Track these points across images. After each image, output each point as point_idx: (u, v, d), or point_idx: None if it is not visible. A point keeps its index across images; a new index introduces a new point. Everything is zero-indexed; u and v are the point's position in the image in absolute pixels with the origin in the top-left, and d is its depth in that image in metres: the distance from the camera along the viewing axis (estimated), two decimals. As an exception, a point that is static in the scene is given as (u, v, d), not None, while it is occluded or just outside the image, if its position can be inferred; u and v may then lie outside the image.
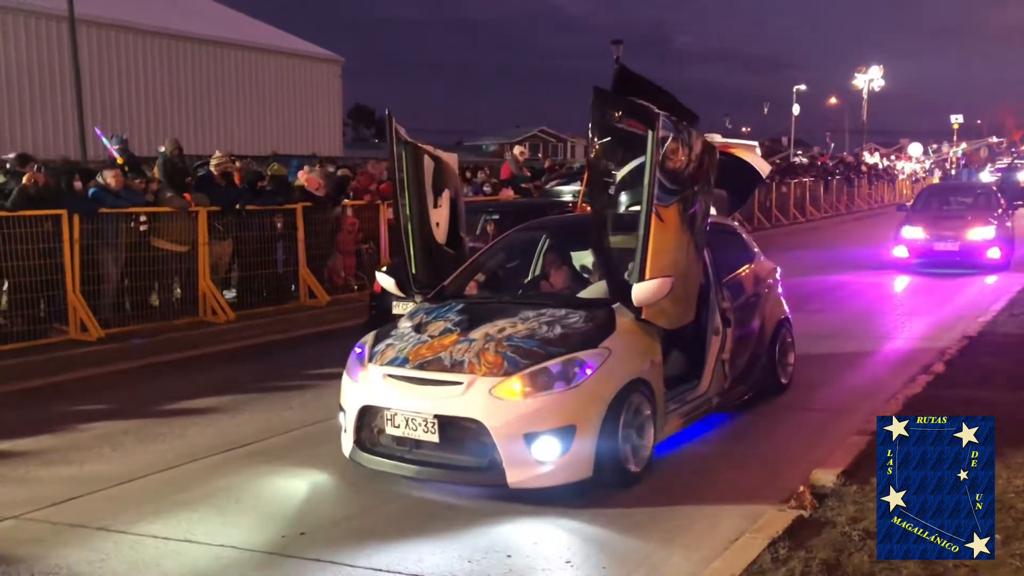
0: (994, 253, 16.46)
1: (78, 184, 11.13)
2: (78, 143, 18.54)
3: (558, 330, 5.94)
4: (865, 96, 60.21)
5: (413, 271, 7.16)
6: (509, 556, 4.94)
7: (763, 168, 8.22)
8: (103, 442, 7.19)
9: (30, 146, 23.84)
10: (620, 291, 6.12)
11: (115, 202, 10.93)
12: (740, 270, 7.80)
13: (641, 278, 5.86)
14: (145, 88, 30.81)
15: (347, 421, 6.18)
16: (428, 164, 7.29)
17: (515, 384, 5.60)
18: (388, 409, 5.90)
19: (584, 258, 7.71)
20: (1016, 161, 49.15)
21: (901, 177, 48.53)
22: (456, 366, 5.81)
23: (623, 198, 6.56)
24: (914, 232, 16.98)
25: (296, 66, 37.01)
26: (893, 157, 57.59)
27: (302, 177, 13.91)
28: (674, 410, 6.51)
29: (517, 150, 20.91)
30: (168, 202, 11.46)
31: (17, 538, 5.29)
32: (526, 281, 7.71)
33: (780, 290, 8.52)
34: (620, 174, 6.45)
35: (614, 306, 6.16)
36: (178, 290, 11.85)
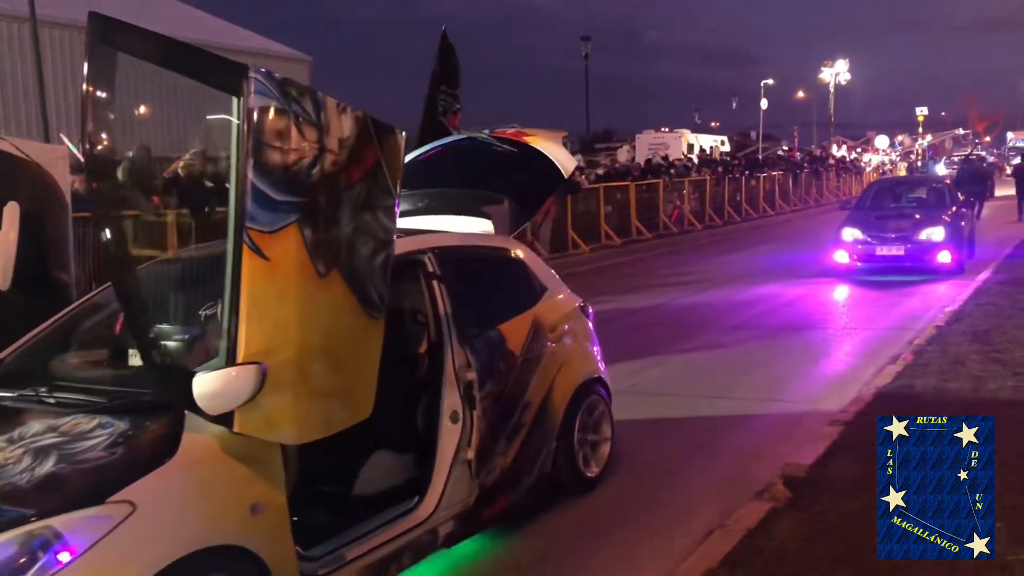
0: (944, 257, 14.61)
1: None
2: (42, 147, 18.26)
3: (48, 465, 3.36)
4: (832, 90, 60.81)
5: None
6: None
7: (567, 165, 5.91)
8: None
9: (-7, 150, 23.45)
10: (173, 385, 3.43)
11: (81, 207, 10.77)
12: (511, 318, 5.35)
13: (230, 359, 3.33)
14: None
15: None
16: None
17: None
18: None
19: None
20: (974, 152, 49.75)
21: (868, 169, 49.12)
22: None
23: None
24: (855, 234, 15.11)
25: (263, 65, 36.52)
26: (860, 150, 58.27)
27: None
28: (336, 570, 3.97)
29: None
30: (136, 206, 11.32)
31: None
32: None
33: (591, 340, 6.10)
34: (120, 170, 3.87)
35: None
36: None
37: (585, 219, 20.80)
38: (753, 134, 62.09)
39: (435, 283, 4.89)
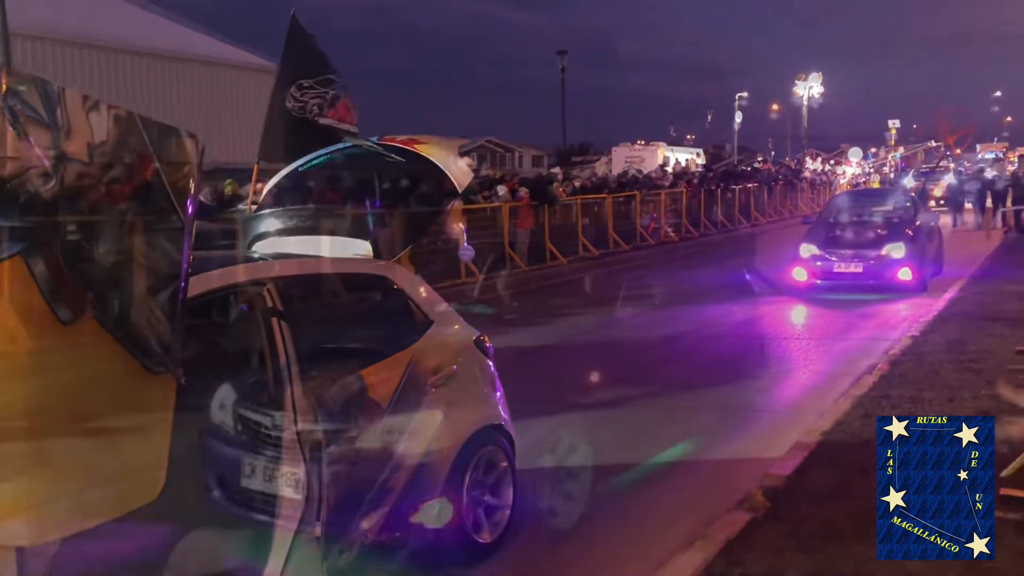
0: (905, 274, 13.95)
1: None
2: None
3: None
4: (805, 103, 61.40)
5: None
6: None
7: (460, 179, 5.24)
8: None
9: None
10: None
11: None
12: (379, 361, 4.54)
13: None
14: (83, 102, 30.14)
15: None
16: None
17: None
18: None
19: None
20: (942, 163, 50.31)
21: (842, 181, 49.53)
22: None
23: None
24: (812, 250, 14.50)
25: (237, 76, 36.58)
26: (834, 162, 58.80)
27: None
28: None
29: (464, 161, 20.74)
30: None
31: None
32: None
33: (489, 381, 5.27)
34: None
35: None
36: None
37: (563, 231, 20.86)
38: (728, 147, 62.57)
39: (274, 321, 4.01)
